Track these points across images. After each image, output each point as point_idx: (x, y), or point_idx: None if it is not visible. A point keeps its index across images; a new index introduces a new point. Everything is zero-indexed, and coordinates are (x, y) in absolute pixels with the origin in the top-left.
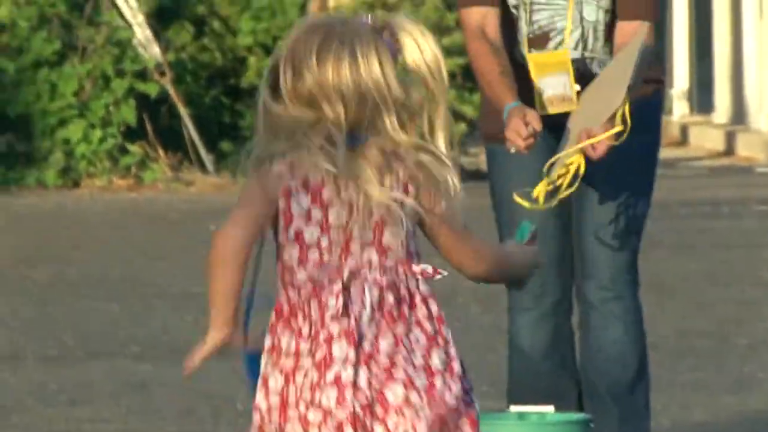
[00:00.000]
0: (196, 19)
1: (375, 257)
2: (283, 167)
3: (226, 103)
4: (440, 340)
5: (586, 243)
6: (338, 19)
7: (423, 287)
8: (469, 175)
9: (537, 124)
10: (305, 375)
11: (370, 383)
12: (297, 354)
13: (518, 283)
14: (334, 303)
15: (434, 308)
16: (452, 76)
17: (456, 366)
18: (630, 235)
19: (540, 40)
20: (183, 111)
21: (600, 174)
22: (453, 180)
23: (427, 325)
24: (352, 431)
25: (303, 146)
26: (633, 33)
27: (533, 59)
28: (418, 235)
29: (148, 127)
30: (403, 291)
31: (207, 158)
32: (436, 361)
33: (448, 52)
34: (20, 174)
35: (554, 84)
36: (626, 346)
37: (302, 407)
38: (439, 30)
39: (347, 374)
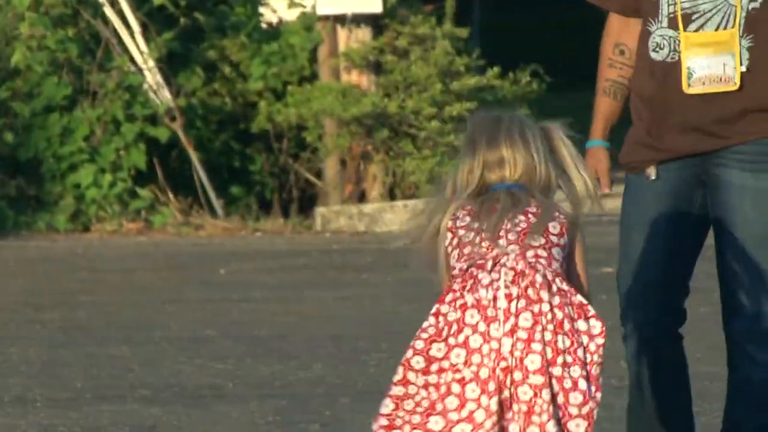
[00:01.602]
0: (206, 65)
1: (517, 250)
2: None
3: (236, 147)
4: (567, 326)
5: (729, 274)
6: (507, 115)
7: (562, 285)
8: None
9: (605, 184)
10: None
11: (512, 352)
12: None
13: None
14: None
15: (570, 300)
16: (463, 120)
17: (580, 353)
18: None
19: (681, 22)
20: (193, 155)
21: (751, 202)
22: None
23: (558, 313)
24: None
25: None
26: None
27: (689, 39)
28: None
29: (159, 171)
30: (542, 279)
31: (217, 202)
32: (560, 344)
33: (458, 96)
34: (30, 218)
35: (711, 64)
36: None
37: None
38: (449, 75)
39: (477, 339)
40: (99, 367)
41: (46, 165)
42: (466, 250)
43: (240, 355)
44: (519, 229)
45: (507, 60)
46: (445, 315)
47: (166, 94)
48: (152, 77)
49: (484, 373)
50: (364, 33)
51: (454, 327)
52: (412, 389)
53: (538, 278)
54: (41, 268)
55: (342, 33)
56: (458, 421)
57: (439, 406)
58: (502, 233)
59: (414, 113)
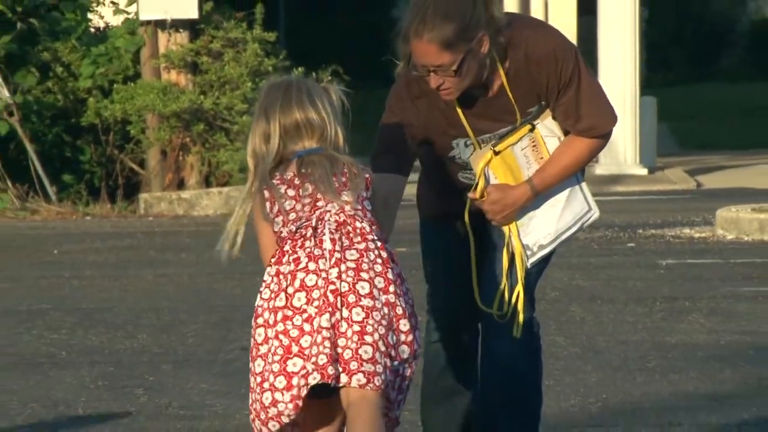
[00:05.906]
0: (41, 65)
1: (336, 207)
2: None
3: (67, 139)
4: (393, 264)
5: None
6: (295, 80)
7: (381, 235)
8: None
9: None
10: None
11: (340, 277)
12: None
13: None
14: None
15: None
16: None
17: (404, 288)
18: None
19: None
20: (29, 147)
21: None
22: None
23: (382, 253)
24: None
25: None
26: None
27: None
28: None
29: None
30: (361, 226)
31: (51, 189)
32: (390, 275)
33: None
34: None
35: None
36: (517, 359)
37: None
38: (259, 74)
39: (312, 277)
40: None
41: None
42: (291, 216)
43: (72, 327)
44: (337, 185)
45: (311, 61)
46: (282, 272)
47: (4, 92)
48: None
49: (318, 299)
50: (183, 37)
51: (290, 277)
52: (269, 343)
53: (358, 225)
54: None
55: (162, 36)
56: (309, 357)
57: (294, 348)
58: (338, 190)
59: (227, 109)
